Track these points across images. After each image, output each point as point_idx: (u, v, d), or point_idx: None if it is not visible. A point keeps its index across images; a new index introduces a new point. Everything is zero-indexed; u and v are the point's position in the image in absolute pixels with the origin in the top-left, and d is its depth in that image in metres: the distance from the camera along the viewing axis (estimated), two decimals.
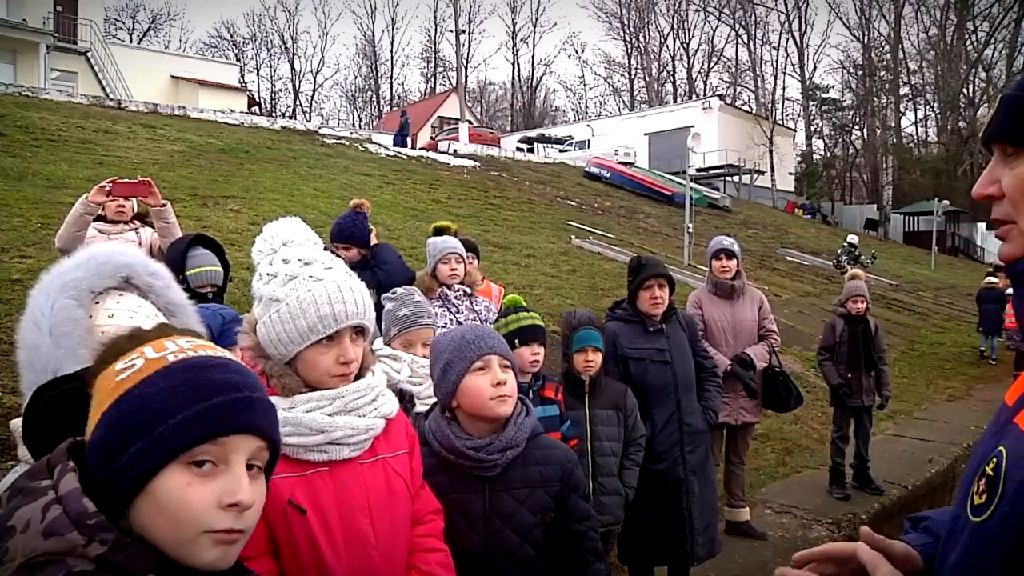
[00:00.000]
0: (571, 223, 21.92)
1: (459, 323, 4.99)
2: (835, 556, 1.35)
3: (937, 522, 1.35)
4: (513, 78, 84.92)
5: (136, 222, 5.33)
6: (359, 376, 2.12)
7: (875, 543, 1.31)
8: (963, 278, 30.86)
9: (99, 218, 5.12)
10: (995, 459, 1.08)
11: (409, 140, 35.42)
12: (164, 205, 5.05)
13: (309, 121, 52.71)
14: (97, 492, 1.12)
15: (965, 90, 61.93)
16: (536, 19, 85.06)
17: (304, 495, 1.95)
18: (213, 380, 1.20)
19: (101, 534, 1.08)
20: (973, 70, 62.62)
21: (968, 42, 62.49)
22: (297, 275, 2.02)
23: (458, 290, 5.11)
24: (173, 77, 41.66)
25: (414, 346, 3.45)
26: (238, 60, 66.20)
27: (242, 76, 60.47)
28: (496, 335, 2.66)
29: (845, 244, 25.88)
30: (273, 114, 61.46)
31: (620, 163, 37.35)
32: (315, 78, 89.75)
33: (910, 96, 64.73)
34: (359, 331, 2.09)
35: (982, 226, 53.06)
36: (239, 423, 1.20)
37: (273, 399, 1.97)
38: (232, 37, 74.49)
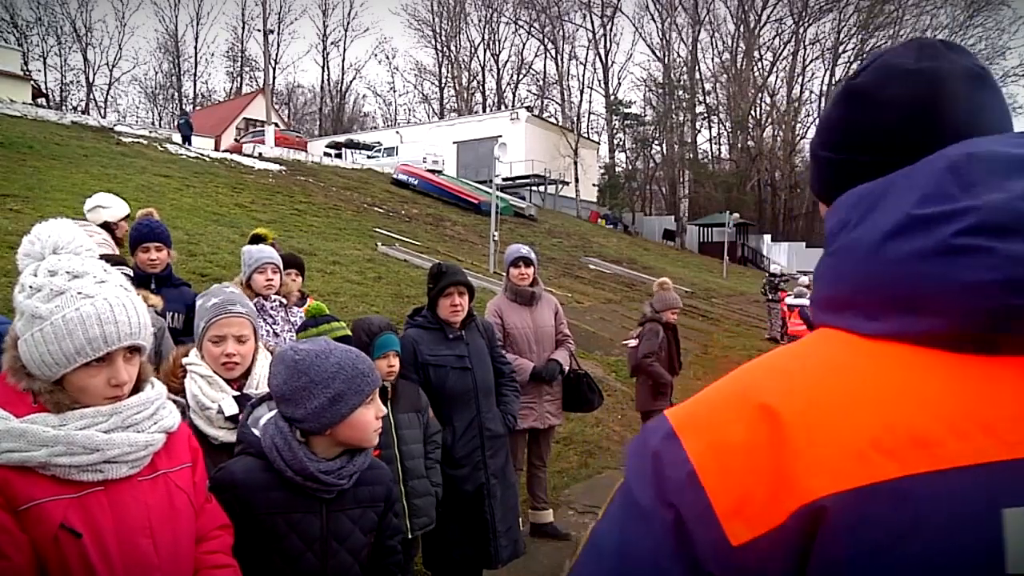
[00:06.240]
0: (378, 230, 21.76)
1: (275, 334, 4.87)
2: None
3: None
4: (323, 82, 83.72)
5: None
6: (137, 390, 1.99)
7: None
8: (751, 286, 32.76)
9: None
10: None
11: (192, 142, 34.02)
12: None
13: (104, 117, 50.07)
14: None
15: (753, 112, 66.22)
16: (348, 23, 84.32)
17: (78, 518, 1.80)
18: None
19: None
20: (759, 94, 67.03)
21: (755, 69, 66.71)
22: (64, 290, 1.84)
23: (274, 300, 4.99)
24: None
25: (225, 341, 2.98)
26: (20, 45, 60.96)
27: (25, 64, 55.96)
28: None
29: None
30: (63, 108, 57.51)
31: (428, 171, 37.31)
32: (111, 71, 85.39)
33: (705, 115, 68.43)
34: (134, 349, 1.95)
35: (767, 237, 56.94)
36: None
37: (42, 416, 1.85)
38: (13, 19, 67.55)
